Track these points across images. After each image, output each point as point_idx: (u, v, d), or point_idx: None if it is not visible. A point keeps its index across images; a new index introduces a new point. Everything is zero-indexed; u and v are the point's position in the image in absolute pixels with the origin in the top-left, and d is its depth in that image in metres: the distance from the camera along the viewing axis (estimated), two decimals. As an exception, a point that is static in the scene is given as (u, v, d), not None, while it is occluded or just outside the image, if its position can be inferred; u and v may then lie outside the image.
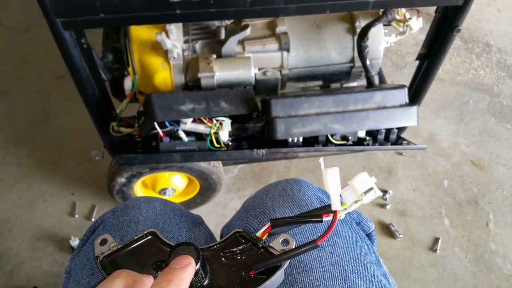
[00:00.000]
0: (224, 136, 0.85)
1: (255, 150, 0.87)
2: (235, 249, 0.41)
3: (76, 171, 1.24)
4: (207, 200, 1.14)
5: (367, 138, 0.89)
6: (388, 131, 0.89)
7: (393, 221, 1.16)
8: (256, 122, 0.85)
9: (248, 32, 0.88)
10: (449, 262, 1.10)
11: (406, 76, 1.50)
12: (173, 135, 0.84)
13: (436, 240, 1.13)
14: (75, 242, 1.08)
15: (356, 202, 0.40)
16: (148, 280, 0.32)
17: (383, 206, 1.19)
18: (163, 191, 1.05)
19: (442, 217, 1.18)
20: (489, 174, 1.27)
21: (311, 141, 0.89)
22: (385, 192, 1.22)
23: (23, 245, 1.10)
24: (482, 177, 1.26)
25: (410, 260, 1.10)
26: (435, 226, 1.16)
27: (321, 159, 0.40)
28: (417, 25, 0.93)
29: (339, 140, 0.88)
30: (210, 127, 0.82)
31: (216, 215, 1.17)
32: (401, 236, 1.13)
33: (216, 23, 0.93)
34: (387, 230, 1.15)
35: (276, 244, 0.41)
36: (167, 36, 0.84)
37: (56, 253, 1.09)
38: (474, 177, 1.26)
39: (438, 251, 1.11)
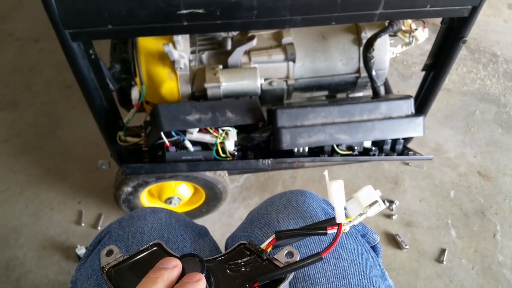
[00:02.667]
0: (230, 146, 0.85)
1: (261, 160, 0.87)
2: (239, 261, 0.41)
3: (83, 180, 1.25)
4: (212, 209, 1.14)
5: (373, 148, 0.89)
6: (394, 141, 0.89)
7: (400, 232, 1.15)
8: (261, 132, 0.85)
9: (254, 43, 0.88)
10: (455, 273, 1.09)
11: (412, 86, 1.50)
12: (179, 145, 0.84)
13: (443, 251, 1.12)
14: (81, 250, 1.09)
15: (360, 215, 0.40)
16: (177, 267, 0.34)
17: (389, 216, 1.19)
18: (169, 200, 1.05)
19: (448, 228, 1.17)
20: (496, 185, 1.26)
21: (316, 151, 0.89)
22: (391, 202, 1.21)
23: (29, 253, 1.10)
24: (489, 188, 1.25)
25: (417, 272, 1.09)
26: (441, 237, 1.15)
27: (326, 172, 0.40)
28: (423, 35, 0.94)
29: (345, 150, 0.88)
30: (216, 137, 0.83)
31: (222, 224, 1.17)
32: (407, 247, 1.12)
33: (223, 34, 0.94)
34: (393, 241, 1.14)
35: (281, 256, 0.41)
36: (174, 47, 0.85)
37: (62, 262, 1.09)
38: (481, 187, 1.25)
39: (444, 262, 1.10)
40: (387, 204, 1.21)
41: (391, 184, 1.26)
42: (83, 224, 1.16)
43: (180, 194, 1.05)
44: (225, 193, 1.06)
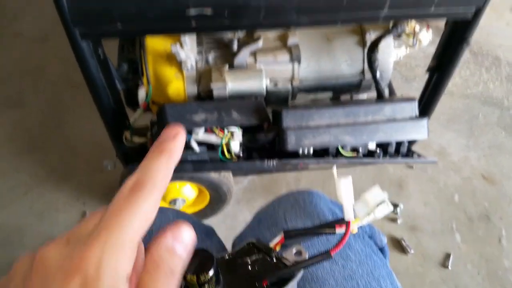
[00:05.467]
0: (235, 146, 0.85)
1: (266, 160, 0.87)
2: (248, 259, 0.41)
3: (88, 180, 1.25)
4: (216, 211, 1.14)
5: (378, 150, 0.89)
6: (399, 143, 0.89)
7: (404, 236, 1.15)
8: (267, 133, 0.86)
9: (260, 44, 0.89)
10: (461, 278, 1.08)
11: (415, 89, 1.50)
12: (185, 145, 0.84)
13: (448, 255, 1.12)
14: (84, 251, 1.09)
15: (368, 214, 0.40)
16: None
17: (394, 220, 1.18)
18: (173, 201, 1.06)
19: (453, 232, 1.17)
20: (500, 189, 1.25)
21: (321, 153, 0.89)
22: (395, 206, 1.21)
23: (33, 253, 1.10)
24: (493, 192, 1.25)
25: (422, 276, 1.09)
26: (446, 242, 1.15)
27: (334, 168, 0.40)
28: (427, 38, 0.94)
29: (349, 152, 0.88)
30: (222, 137, 0.83)
31: (226, 227, 1.17)
32: (412, 251, 1.12)
33: (229, 35, 0.94)
34: (398, 245, 1.14)
35: (289, 255, 0.41)
36: (182, 47, 0.85)
37: (65, 262, 1.09)
38: (485, 191, 1.25)
39: (449, 267, 1.10)
40: (392, 207, 1.21)
41: (395, 187, 1.26)
42: (87, 225, 1.16)
43: (184, 195, 1.05)
44: (230, 194, 1.06)
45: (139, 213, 0.24)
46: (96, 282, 0.22)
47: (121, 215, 0.24)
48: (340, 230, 0.41)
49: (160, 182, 0.25)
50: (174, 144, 0.27)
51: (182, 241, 0.26)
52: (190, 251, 0.27)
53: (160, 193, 0.25)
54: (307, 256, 0.41)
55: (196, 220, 0.57)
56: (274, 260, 0.41)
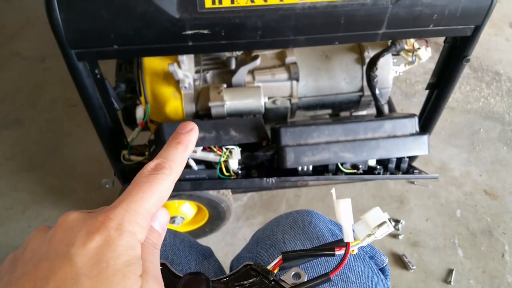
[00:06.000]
0: (234, 164, 0.85)
1: (265, 178, 0.86)
2: (245, 282, 0.40)
3: (86, 198, 1.24)
4: (216, 228, 1.13)
5: (378, 167, 0.88)
6: (399, 160, 0.88)
7: (406, 252, 1.14)
8: (265, 151, 0.85)
9: (258, 62, 0.89)
10: (464, 295, 1.06)
11: (415, 105, 1.50)
12: (183, 164, 0.84)
13: (450, 271, 1.10)
14: (82, 270, 1.07)
15: (369, 236, 0.40)
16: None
17: (395, 236, 1.17)
18: (172, 219, 1.05)
19: (455, 248, 1.15)
20: (502, 204, 1.24)
21: (321, 170, 0.88)
22: (397, 222, 1.19)
23: (30, 273, 1.09)
24: (496, 207, 1.24)
25: (424, 293, 1.07)
26: (448, 257, 1.13)
27: (333, 190, 0.40)
28: (426, 54, 0.94)
29: (349, 169, 0.87)
30: (220, 155, 0.82)
31: (225, 244, 1.16)
32: (414, 267, 1.10)
33: (227, 53, 0.95)
34: (400, 261, 1.12)
35: (288, 278, 0.40)
36: (179, 66, 0.86)
37: (63, 282, 1.07)
38: (487, 206, 1.24)
39: (452, 283, 1.08)
40: (393, 223, 1.19)
41: (396, 203, 1.25)
42: (85, 244, 1.15)
43: (183, 213, 1.04)
44: (229, 212, 1.05)
45: (157, 190, 0.28)
46: (117, 240, 0.25)
47: (142, 189, 0.28)
48: (339, 252, 0.40)
49: (176, 168, 0.30)
50: (189, 138, 0.32)
51: (158, 220, 0.32)
52: (165, 228, 0.33)
53: (176, 177, 0.30)
54: (305, 279, 0.40)
55: (193, 241, 0.56)
56: (272, 283, 0.40)
